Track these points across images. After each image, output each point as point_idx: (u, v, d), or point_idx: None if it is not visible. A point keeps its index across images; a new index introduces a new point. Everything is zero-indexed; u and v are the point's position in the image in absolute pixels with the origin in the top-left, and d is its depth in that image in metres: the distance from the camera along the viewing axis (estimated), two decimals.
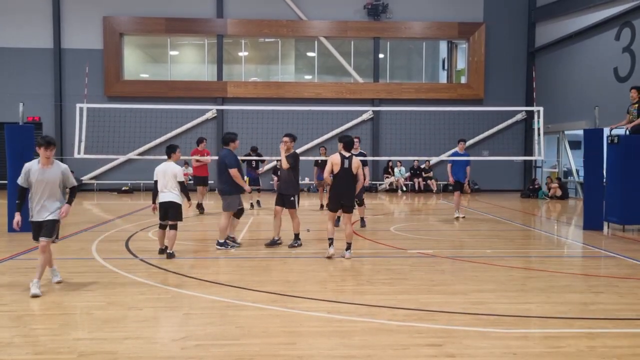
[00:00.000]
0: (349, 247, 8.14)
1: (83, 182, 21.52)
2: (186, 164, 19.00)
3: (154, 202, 8.32)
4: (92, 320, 5.11)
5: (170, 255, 7.98)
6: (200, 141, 13.59)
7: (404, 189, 21.75)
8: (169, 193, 7.92)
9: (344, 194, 8.07)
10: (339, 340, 4.56)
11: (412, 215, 14.90)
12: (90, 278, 6.74)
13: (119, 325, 4.91)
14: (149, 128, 18.98)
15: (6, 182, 10.63)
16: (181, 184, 7.98)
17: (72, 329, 4.85)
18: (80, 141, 11.98)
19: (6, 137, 10.46)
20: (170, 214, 7.99)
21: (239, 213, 8.97)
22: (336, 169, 8.02)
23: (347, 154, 8.07)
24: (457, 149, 13.19)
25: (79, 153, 11.98)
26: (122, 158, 20.03)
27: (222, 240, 8.68)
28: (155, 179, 8.07)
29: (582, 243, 9.98)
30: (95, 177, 21.66)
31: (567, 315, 5.28)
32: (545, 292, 6.15)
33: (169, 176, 7.94)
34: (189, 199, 8.23)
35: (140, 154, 20.48)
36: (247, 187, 8.89)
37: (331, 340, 4.56)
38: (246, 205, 15.84)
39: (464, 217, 13.05)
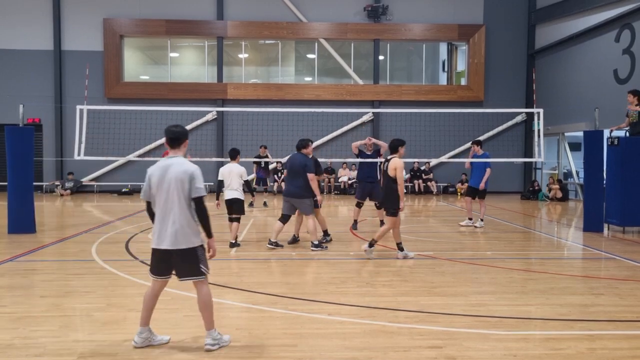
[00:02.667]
0: (400, 248, 8.21)
1: (83, 183, 21.53)
2: None
3: (217, 199, 8.96)
4: (92, 322, 5.10)
5: (234, 245, 8.91)
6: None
7: (404, 190, 21.74)
8: (234, 191, 8.77)
9: (382, 197, 8.31)
10: (340, 342, 4.55)
11: (412, 216, 14.88)
12: (90, 280, 6.74)
13: (119, 327, 4.91)
14: (149, 130, 18.95)
15: (6, 183, 10.63)
16: (246, 182, 8.97)
17: (72, 331, 4.84)
18: (80, 143, 11.97)
19: (6, 139, 10.46)
20: (234, 208, 8.83)
21: (285, 218, 8.96)
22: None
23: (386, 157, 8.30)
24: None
25: (79, 155, 11.97)
26: (122, 160, 20.05)
27: (316, 242, 8.81)
28: (220, 178, 8.89)
29: (582, 245, 9.98)
30: (95, 179, 21.66)
31: (567, 317, 5.28)
32: (545, 294, 6.15)
33: (234, 175, 8.76)
34: (253, 195, 9.71)
35: (140, 156, 20.48)
36: (319, 195, 8.83)
37: (332, 342, 4.56)
38: (247, 205, 16.04)
39: (477, 226, 11.73)
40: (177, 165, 4.31)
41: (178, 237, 4.24)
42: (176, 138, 4.41)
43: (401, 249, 8.23)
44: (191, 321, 5.05)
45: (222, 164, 22.24)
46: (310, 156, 9.14)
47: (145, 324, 4.39)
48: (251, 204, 15.71)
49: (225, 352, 4.30)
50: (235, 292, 6.12)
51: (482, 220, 11.91)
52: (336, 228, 10.43)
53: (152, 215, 4.47)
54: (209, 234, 4.40)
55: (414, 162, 21.66)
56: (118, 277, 6.85)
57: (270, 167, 21.02)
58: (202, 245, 4.36)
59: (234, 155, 9.01)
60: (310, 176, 8.72)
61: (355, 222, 11.21)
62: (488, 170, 11.69)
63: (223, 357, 4.22)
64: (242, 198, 8.91)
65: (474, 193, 11.92)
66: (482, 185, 11.68)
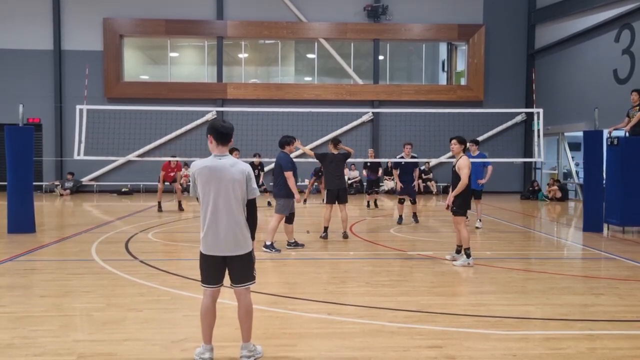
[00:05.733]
0: (465, 252, 7.73)
1: (83, 183, 21.52)
2: (186, 165, 19.00)
3: None
4: (91, 321, 5.10)
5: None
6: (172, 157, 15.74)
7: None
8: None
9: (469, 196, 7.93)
10: (340, 341, 4.55)
11: (412, 216, 14.87)
12: (90, 279, 6.73)
13: (118, 327, 4.90)
14: (149, 130, 18.98)
15: (6, 183, 10.63)
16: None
17: (72, 331, 4.84)
18: (80, 143, 11.97)
19: (6, 139, 10.45)
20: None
21: (290, 218, 8.88)
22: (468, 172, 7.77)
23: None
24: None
25: (78, 154, 11.98)
26: (121, 160, 20.05)
27: (269, 242, 8.64)
28: None
29: (582, 245, 9.98)
30: (95, 179, 21.66)
31: (567, 317, 5.28)
32: (545, 294, 6.15)
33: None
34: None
35: (140, 156, 20.48)
36: (297, 195, 8.63)
37: (331, 341, 4.55)
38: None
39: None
40: (231, 165, 3.98)
41: (237, 241, 3.98)
42: (226, 134, 4.03)
43: (466, 255, 7.68)
44: (190, 321, 5.04)
45: None
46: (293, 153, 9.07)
47: (209, 342, 4.11)
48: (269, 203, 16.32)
49: (224, 352, 4.30)
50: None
51: (480, 220, 11.87)
52: (337, 226, 10.43)
53: None
54: (253, 237, 4.14)
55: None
56: (118, 277, 6.84)
57: (270, 166, 21.11)
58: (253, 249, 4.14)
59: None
60: (287, 174, 8.56)
61: (401, 217, 12.47)
62: (490, 168, 11.61)
63: (222, 357, 4.21)
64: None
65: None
66: (482, 181, 11.42)
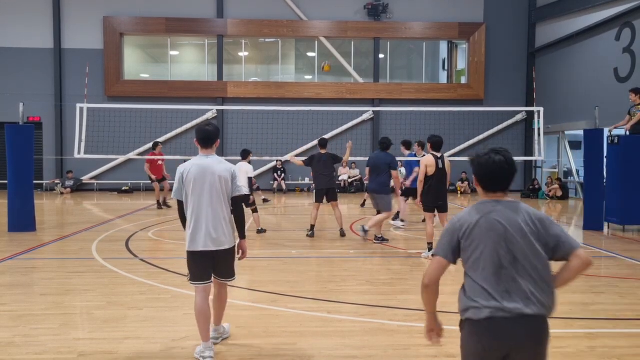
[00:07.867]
0: (427, 245, 8.26)
1: (83, 182, 21.53)
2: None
3: None
4: (92, 320, 5.11)
5: (261, 231, 10.29)
6: (156, 145, 15.41)
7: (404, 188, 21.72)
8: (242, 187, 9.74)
9: (441, 194, 8.24)
10: (340, 340, 4.56)
11: (412, 215, 14.88)
12: (90, 278, 6.74)
13: (119, 325, 4.91)
14: (149, 128, 18.98)
15: (6, 182, 10.63)
16: (249, 179, 9.76)
17: (72, 329, 4.85)
18: (80, 141, 11.97)
19: (6, 137, 10.46)
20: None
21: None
22: (431, 171, 8.04)
23: (438, 155, 8.24)
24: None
25: (79, 153, 11.98)
26: (122, 158, 20.03)
27: (379, 235, 9.43)
28: None
29: (582, 243, 9.96)
30: (95, 177, 21.66)
31: (567, 316, 5.28)
32: None
33: (241, 173, 9.24)
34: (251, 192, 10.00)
35: (140, 154, 20.45)
36: (398, 191, 9.64)
37: (332, 340, 4.56)
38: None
39: None
40: (217, 164, 4.16)
41: (224, 237, 4.14)
42: (208, 138, 4.19)
43: (428, 249, 8.22)
44: (190, 319, 5.02)
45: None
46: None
47: (208, 339, 4.18)
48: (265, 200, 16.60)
49: (225, 350, 4.31)
50: (235, 290, 6.12)
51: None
52: (337, 224, 10.43)
53: (184, 216, 4.24)
54: (243, 235, 4.35)
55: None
56: (118, 276, 6.85)
57: (270, 165, 21.14)
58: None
59: (245, 155, 10.10)
60: (395, 174, 9.27)
61: (398, 213, 12.48)
62: (416, 169, 11.48)
63: (223, 355, 4.22)
64: (249, 193, 9.39)
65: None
66: (407, 183, 11.72)
